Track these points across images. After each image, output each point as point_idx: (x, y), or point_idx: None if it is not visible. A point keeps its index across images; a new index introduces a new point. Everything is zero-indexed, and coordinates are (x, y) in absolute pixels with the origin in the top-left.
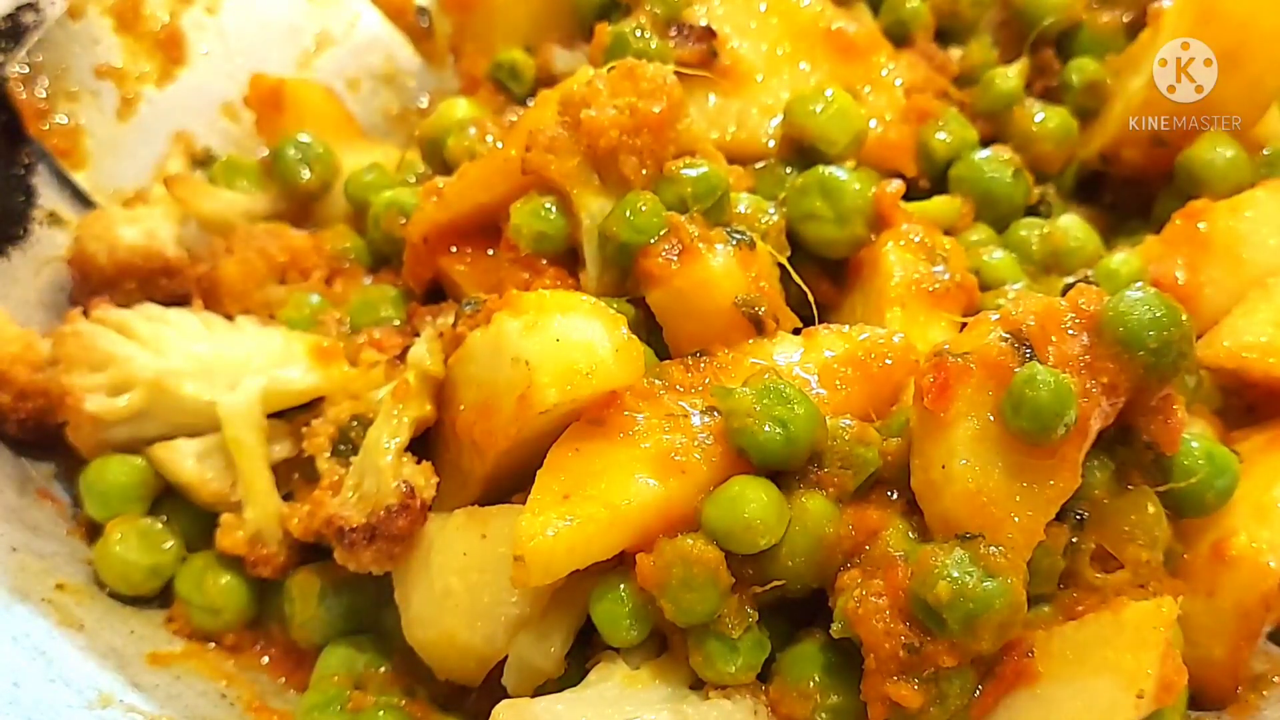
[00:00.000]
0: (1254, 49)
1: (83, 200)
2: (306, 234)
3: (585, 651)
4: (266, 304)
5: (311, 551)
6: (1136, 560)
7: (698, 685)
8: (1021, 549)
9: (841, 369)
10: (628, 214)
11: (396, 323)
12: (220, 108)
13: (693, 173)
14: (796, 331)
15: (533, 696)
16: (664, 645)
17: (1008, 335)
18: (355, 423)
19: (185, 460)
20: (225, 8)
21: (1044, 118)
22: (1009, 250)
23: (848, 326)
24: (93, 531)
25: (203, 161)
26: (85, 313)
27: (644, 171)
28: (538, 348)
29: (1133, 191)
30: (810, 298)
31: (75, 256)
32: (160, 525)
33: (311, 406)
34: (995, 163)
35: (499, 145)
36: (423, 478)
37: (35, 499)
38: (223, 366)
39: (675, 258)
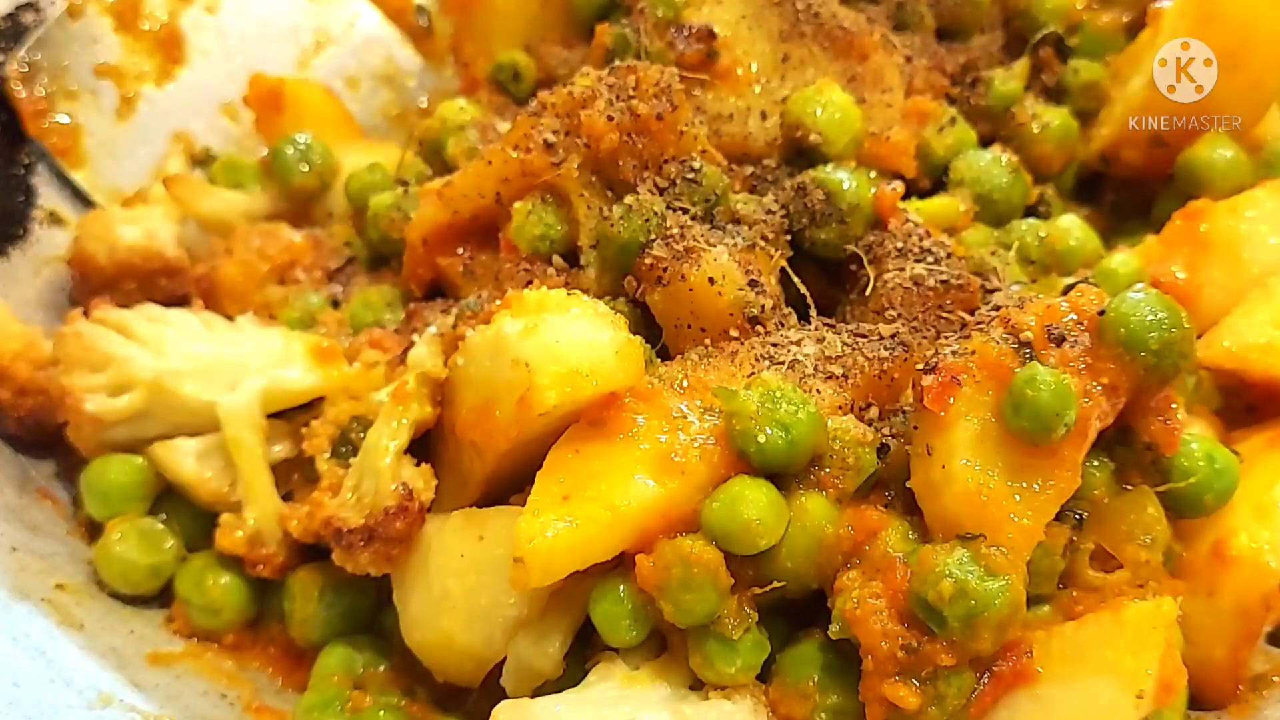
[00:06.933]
0: (1254, 50)
1: (82, 200)
2: (306, 234)
3: (585, 652)
4: (266, 304)
5: (311, 551)
6: (1136, 560)
7: (697, 685)
8: (1021, 549)
9: (841, 369)
10: (627, 215)
11: (394, 325)
12: (220, 107)
13: (693, 173)
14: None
15: (532, 697)
16: (664, 645)
17: (1007, 335)
18: (355, 424)
19: (185, 460)
20: (225, 7)
21: (1044, 118)
22: (1009, 250)
23: (847, 326)
24: (93, 531)
25: (202, 161)
26: (85, 313)
27: (644, 172)
28: (537, 349)
29: (1133, 191)
30: (810, 298)
31: (75, 256)
32: (160, 525)
33: (311, 406)
34: (995, 163)
35: (499, 146)
36: (421, 480)
37: (35, 499)
38: (223, 366)
39: (675, 258)
